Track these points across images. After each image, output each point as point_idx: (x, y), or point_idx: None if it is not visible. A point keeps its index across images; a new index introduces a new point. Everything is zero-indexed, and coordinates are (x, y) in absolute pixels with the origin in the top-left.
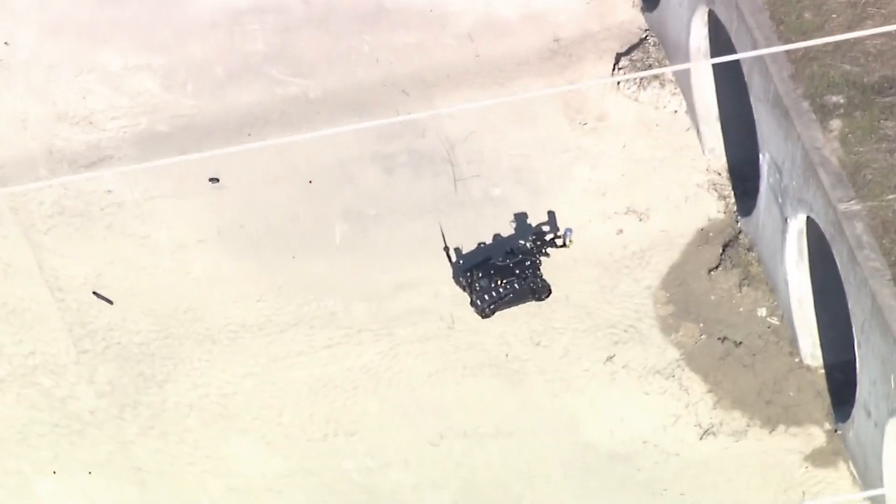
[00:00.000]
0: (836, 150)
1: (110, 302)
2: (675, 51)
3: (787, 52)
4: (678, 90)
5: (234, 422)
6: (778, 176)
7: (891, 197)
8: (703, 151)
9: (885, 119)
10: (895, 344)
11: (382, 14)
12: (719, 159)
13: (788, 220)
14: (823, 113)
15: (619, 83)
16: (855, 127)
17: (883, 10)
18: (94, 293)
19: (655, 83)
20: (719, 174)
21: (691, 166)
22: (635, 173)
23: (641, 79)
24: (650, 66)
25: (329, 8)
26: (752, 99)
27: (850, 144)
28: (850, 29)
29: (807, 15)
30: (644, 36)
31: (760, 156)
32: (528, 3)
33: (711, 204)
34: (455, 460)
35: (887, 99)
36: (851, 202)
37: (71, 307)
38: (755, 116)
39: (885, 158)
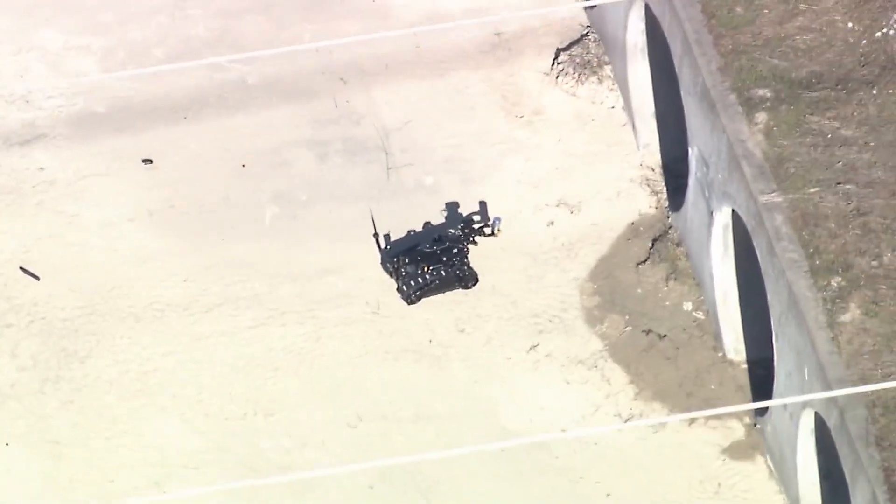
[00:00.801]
0: (760, 142)
1: (37, 278)
2: (613, 46)
3: (716, 45)
4: (616, 86)
5: (154, 399)
6: (705, 169)
7: (812, 190)
8: (638, 147)
9: (811, 114)
10: (809, 335)
11: (326, 4)
12: (653, 155)
13: (714, 214)
14: (750, 106)
15: (556, 78)
16: (780, 121)
17: (815, 7)
18: (21, 269)
19: (593, 78)
20: (653, 170)
21: (625, 161)
22: (569, 167)
23: (579, 74)
24: (589, 62)
25: None
26: (682, 92)
27: (775, 138)
28: (780, 24)
29: (738, 9)
30: (585, 32)
31: (689, 150)
32: None
33: (643, 199)
34: (372, 442)
35: (814, 94)
36: (773, 194)
37: None
38: (685, 110)
39: (809, 152)
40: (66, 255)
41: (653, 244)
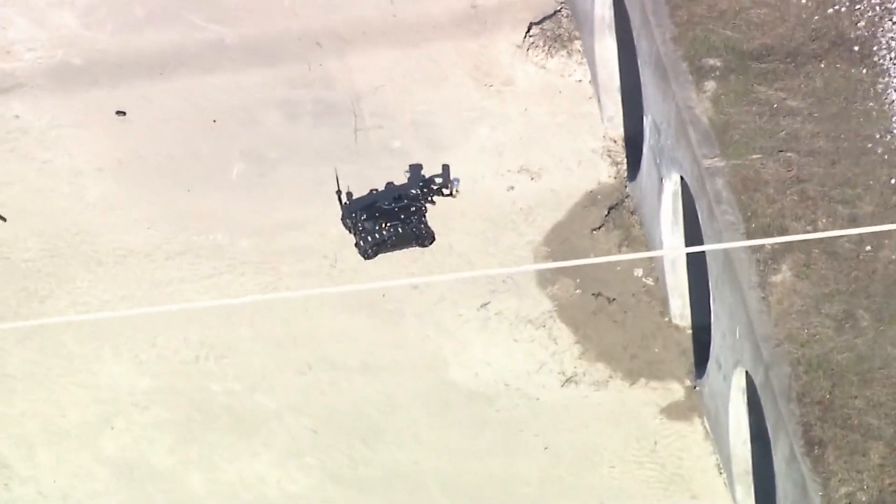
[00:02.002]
0: (707, 109)
1: (3, 219)
2: (583, 21)
3: (671, 16)
4: (584, 60)
5: (109, 340)
6: (657, 137)
7: (754, 157)
8: (602, 120)
9: (759, 84)
10: (741, 295)
11: None
12: (617, 128)
13: (664, 181)
14: (700, 75)
15: (527, 50)
16: (728, 90)
17: None
18: None
19: (563, 52)
20: (615, 142)
21: (589, 133)
22: (533, 136)
23: (549, 47)
24: (560, 37)
25: None
26: (639, 62)
27: (722, 105)
28: None
29: None
30: (559, 8)
31: (644, 118)
32: None
33: (604, 169)
34: (320, 389)
35: (763, 65)
36: (715, 159)
37: None
38: (641, 80)
39: (755, 121)
40: (34, 199)
41: (609, 212)
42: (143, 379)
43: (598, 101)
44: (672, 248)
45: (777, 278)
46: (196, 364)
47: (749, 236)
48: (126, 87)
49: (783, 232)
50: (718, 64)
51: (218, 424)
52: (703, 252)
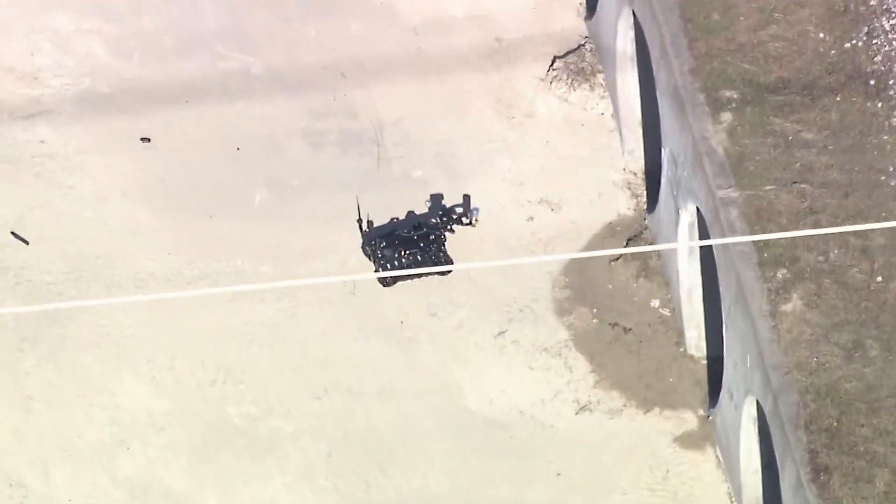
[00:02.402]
0: (723, 140)
1: (26, 242)
2: (606, 55)
3: (690, 48)
4: (607, 94)
5: (128, 362)
6: (674, 168)
7: (768, 188)
8: (623, 153)
9: (775, 116)
10: (752, 323)
11: (334, 4)
12: (637, 161)
13: (680, 212)
14: (716, 107)
15: (550, 83)
16: (744, 122)
17: (789, 17)
18: (12, 233)
19: (585, 86)
20: (635, 175)
21: (610, 165)
22: (554, 167)
23: (572, 80)
24: (583, 70)
25: None
26: (658, 94)
27: (738, 137)
28: (754, 31)
29: (715, 16)
30: (583, 42)
31: (662, 150)
32: (477, 4)
33: (623, 202)
34: (336, 414)
35: (780, 98)
36: (730, 190)
37: None
38: (660, 111)
39: (769, 152)
40: (57, 223)
41: (627, 243)
42: (159, 401)
43: (620, 134)
44: (671, 244)
45: (788, 307)
46: (213, 387)
47: (761, 265)
48: (152, 115)
49: (795, 262)
50: (735, 96)
51: (233, 447)
52: (718, 283)
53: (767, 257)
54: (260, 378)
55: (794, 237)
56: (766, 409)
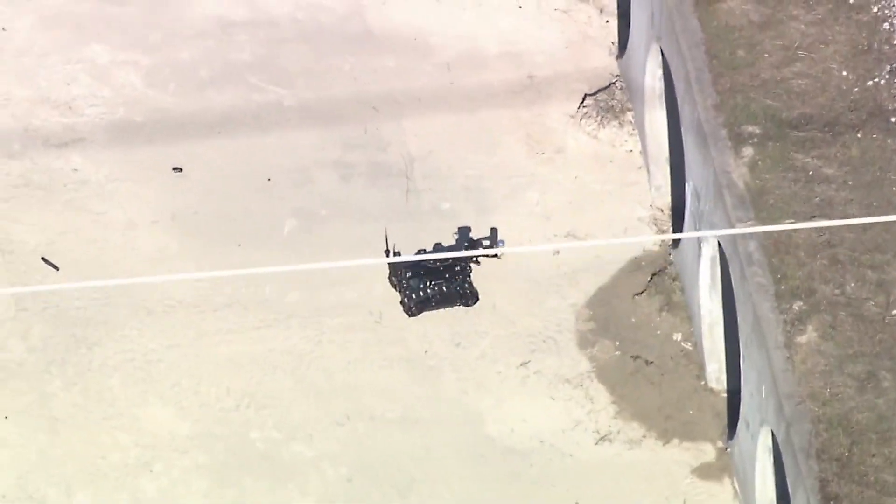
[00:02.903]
0: (743, 174)
1: (56, 268)
2: (636, 93)
3: (714, 84)
4: (635, 131)
5: (154, 386)
6: (697, 202)
7: (787, 221)
8: (650, 189)
9: (796, 152)
10: (767, 354)
11: (369, 38)
12: (664, 197)
13: (702, 246)
14: (738, 141)
15: (581, 120)
16: (766, 156)
17: (813, 55)
18: (42, 259)
19: (615, 123)
20: (662, 211)
21: (637, 201)
22: (582, 202)
23: (602, 118)
24: (612, 108)
25: (318, 28)
26: (682, 129)
27: (759, 171)
28: (778, 68)
29: (740, 52)
30: (614, 81)
31: (686, 185)
32: (510, 41)
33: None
34: (357, 440)
35: (801, 133)
36: (749, 222)
37: (18, 269)
38: (684, 146)
39: (790, 186)
40: (87, 249)
41: (651, 277)
42: (183, 424)
43: (647, 170)
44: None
45: (803, 339)
46: (237, 412)
47: (778, 297)
48: (184, 145)
49: (811, 294)
50: (757, 131)
51: (254, 470)
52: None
53: (784, 289)
54: (283, 404)
55: (811, 270)
56: (779, 438)
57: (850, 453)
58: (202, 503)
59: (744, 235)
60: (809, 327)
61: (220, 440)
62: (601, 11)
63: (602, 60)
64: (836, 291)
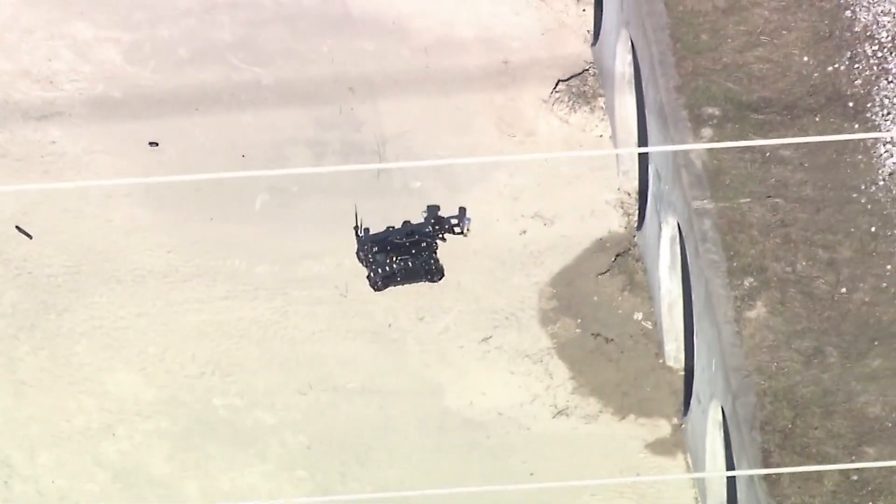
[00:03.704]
0: (701, 154)
1: (30, 236)
2: (607, 79)
3: (677, 67)
4: (606, 117)
5: (121, 353)
6: (658, 183)
7: (742, 200)
8: (619, 173)
9: (754, 134)
10: (717, 329)
11: (348, 22)
12: (631, 181)
13: (662, 226)
14: (698, 122)
15: (552, 105)
16: (724, 137)
17: (775, 40)
18: (16, 227)
19: (586, 108)
20: (629, 195)
21: (605, 185)
22: (550, 185)
23: (574, 103)
24: (584, 93)
25: (299, 10)
26: (646, 112)
27: (716, 151)
28: (740, 53)
29: (703, 37)
30: (587, 68)
31: (649, 167)
32: (488, 27)
33: (615, 219)
34: (319, 409)
35: (760, 116)
36: (705, 201)
37: None
38: (647, 128)
39: (746, 167)
40: (61, 219)
41: (615, 258)
42: (148, 390)
43: (616, 155)
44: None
45: (752, 314)
46: (201, 379)
47: (730, 274)
48: (162, 121)
49: (762, 271)
50: (717, 113)
51: (216, 436)
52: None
53: (736, 266)
54: (247, 372)
55: (763, 248)
56: (726, 411)
57: (793, 426)
58: (163, 467)
59: (699, 211)
60: (759, 303)
61: (184, 406)
62: (578, 1)
63: (577, 48)
64: (787, 269)
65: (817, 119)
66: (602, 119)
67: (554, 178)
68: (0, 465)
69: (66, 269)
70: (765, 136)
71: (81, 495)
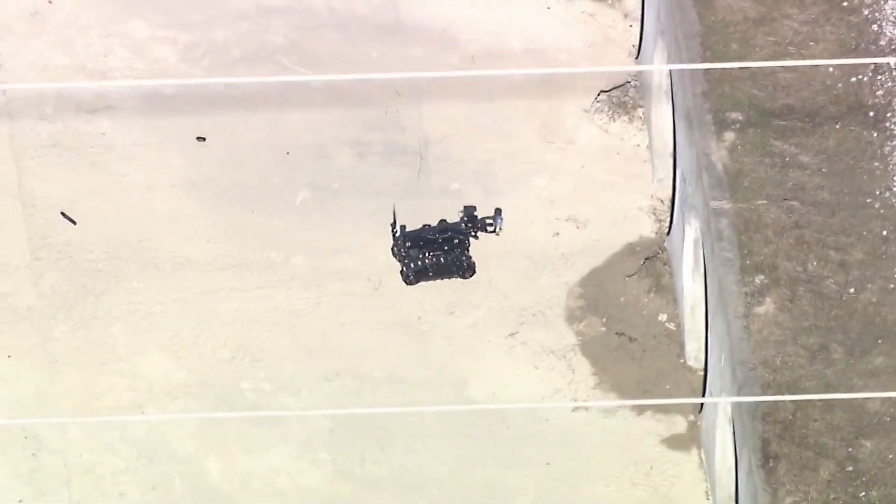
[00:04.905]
0: (722, 157)
1: (74, 222)
2: (646, 90)
3: (705, 73)
4: (645, 127)
5: (154, 336)
6: (684, 187)
7: (759, 202)
8: (654, 181)
9: (776, 139)
10: (728, 324)
11: (399, 29)
12: (665, 189)
13: (685, 228)
14: (721, 126)
15: (593, 114)
16: (746, 141)
17: (803, 51)
18: (61, 213)
19: (625, 118)
20: (662, 202)
21: (639, 192)
22: (586, 190)
23: (613, 112)
24: (624, 104)
25: (352, 18)
26: (675, 118)
27: (738, 155)
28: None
29: (733, 46)
30: (629, 80)
31: (676, 171)
32: (535, 39)
33: (647, 225)
34: (344, 395)
35: (783, 123)
36: (723, 202)
37: (38, 222)
38: (675, 133)
39: (766, 171)
40: (106, 208)
41: (644, 262)
42: (179, 373)
43: (652, 164)
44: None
45: (761, 310)
46: (231, 363)
47: (742, 271)
48: (210, 117)
49: (774, 269)
50: (740, 118)
51: (241, 418)
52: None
53: (749, 264)
54: (277, 358)
55: (776, 248)
56: (731, 402)
57: (793, 417)
58: (187, 444)
59: (717, 211)
60: (768, 300)
61: (212, 388)
62: (626, 16)
63: (621, 61)
64: (799, 269)
65: (838, 127)
66: (641, 129)
67: (590, 184)
68: (29, 439)
69: (106, 254)
70: (785, 141)
71: (107, 470)
